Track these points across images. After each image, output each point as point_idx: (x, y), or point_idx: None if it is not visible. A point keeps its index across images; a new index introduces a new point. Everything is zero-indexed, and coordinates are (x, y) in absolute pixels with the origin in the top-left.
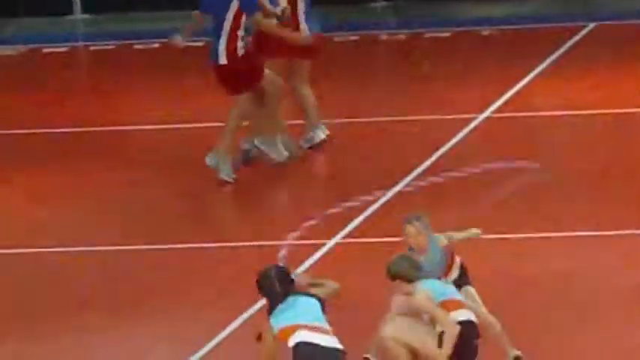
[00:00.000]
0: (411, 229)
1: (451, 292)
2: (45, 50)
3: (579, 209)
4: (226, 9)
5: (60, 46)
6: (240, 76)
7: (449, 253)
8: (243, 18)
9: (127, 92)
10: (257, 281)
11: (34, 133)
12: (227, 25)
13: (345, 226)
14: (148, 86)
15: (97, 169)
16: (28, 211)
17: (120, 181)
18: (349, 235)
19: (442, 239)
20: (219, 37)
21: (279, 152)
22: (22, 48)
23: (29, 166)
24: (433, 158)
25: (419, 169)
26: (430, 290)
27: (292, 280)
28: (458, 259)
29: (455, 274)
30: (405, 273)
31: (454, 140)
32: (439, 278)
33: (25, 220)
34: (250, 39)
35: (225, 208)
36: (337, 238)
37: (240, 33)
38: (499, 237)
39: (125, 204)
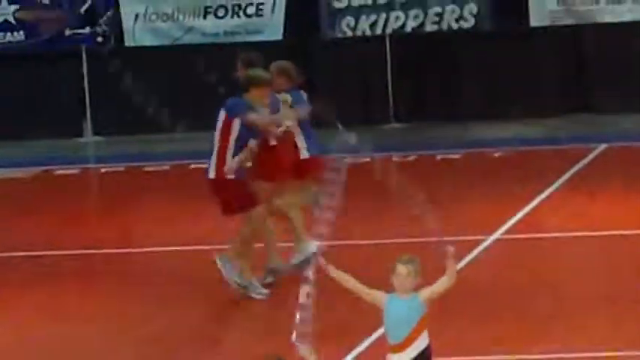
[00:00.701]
0: (402, 269)
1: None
2: (56, 172)
3: (591, 330)
4: (218, 119)
5: (71, 168)
6: (229, 197)
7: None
8: (234, 128)
9: (136, 213)
10: None
11: (44, 255)
12: (218, 136)
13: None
14: (158, 207)
15: (107, 290)
16: (40, 333)
17: (130, 301)
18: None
19: (424, 292)
20: (212, 150)
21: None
22: (33, 170)
23: (39, 287)
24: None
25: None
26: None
27: None
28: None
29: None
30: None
31: (463, 262)
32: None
33: (35, 340)
34: (244, 158)
35: (239, 330)
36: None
37: (230, 149)
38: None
39: (136, 326)
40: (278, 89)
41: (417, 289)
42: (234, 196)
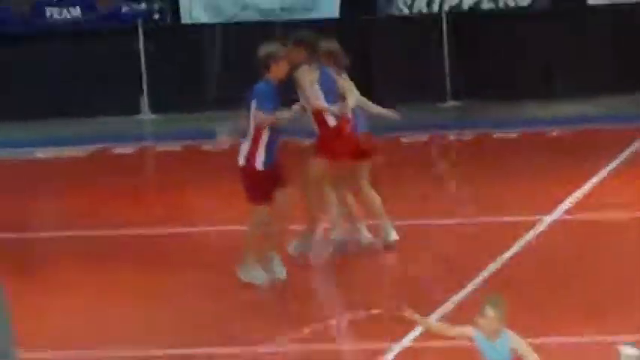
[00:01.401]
0: (490, 312)
1: None
2: (113, 150)
3: None
4: (249, 108)
5: (128, 145)
6: (256, 186)
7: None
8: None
9: (194, 193)
10: None
11: (101, 235)
12: (252, 124)
13: (412, 329)
14: (215, 186)
15: (166, 269)
16: (97, 311)
17: (189, 282)
18: (417, 339)
19: (513, 340)
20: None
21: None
22: (89, 148)
23: (97, 265)
24: (500, 261)
25: (484, 273)
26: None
27: None
28: None
29: None
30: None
31: (521, 242)
32: None
33: (93, 320)
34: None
35: (281, 303)
36: (405, 342)
37: (264, 140)
38: (560, 340)
39: (196, 305)
40: (294, 62)
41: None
42: (259, 187)
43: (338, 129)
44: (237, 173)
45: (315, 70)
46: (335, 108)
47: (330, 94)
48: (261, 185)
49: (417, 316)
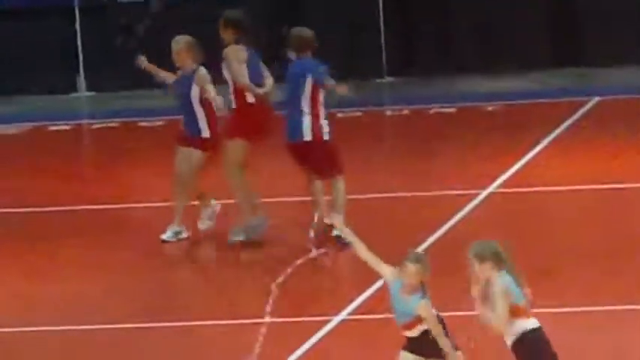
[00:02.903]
0: (411, 268)
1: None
2: (49, 128)
3: (585, 284)
4: (300, 84)
5: (64, 123)
6: (333, 156)
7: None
8: (321, 92)
9: (130, 170)
10: None
11: (39, 212)
12: (306, 102)
13: (353, 301)
14: (152, 164)
15: (101, 245)
16: (33, 288)
17: (124, 258)
18: (355, 311)
19: (422, 309)
20: (296, 113)
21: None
22: (25, 126)
23: (39, 243)
24: (437, 234)
25: (423, 246)
26: (509, 287)
27: None
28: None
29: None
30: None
31: (459, 215)
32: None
33: (29, 297)
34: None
35: (236, 284)
36: (343, 315)
37: (323, 110)
38: None
39: (131, 281)
40: (226, 42)
41: (424, 283)
42: (336, 156)
43: (256, 107)
44: (296, 150)
45: (244, 49)
46: (258, 89)
47: (256, 75)
48: (336, 154)
49: (350, 236)
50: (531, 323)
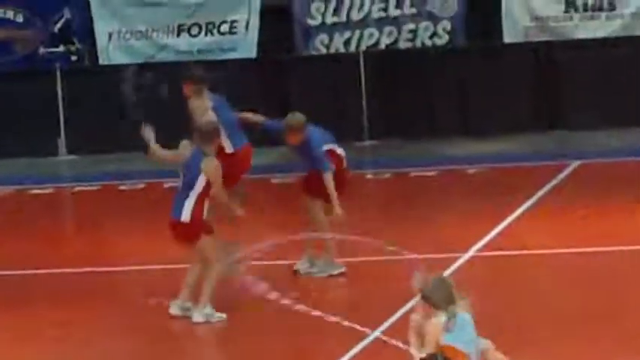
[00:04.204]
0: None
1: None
2: (30, 191)
3: (567, 349)
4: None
5: (45, 187)
6: None
7: None
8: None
9: (111, 233)
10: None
11: (19, 275)
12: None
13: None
14: (132, 226)
15: (83, 309)
16: (13, 353)
17: (107, 321)
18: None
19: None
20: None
21: None
22: (6, 189)
23: (13, 307)
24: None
25: (402, 310)
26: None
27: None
28: None
29: None
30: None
31: None
32: None
33: None
34: None
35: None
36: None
37: None
38: None
39: (111, 347)
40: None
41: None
42: None
43: (235, 155)
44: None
45: (207, 99)
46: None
47: (229, 126)
48: None
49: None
50: None
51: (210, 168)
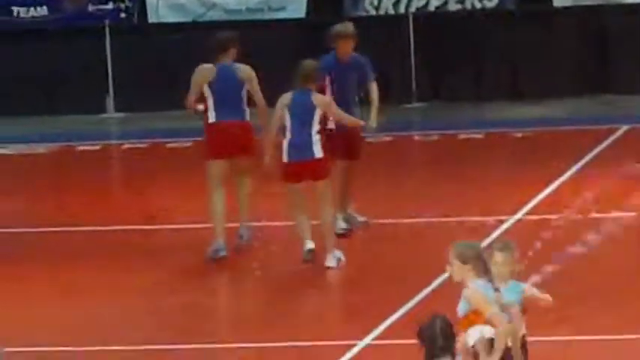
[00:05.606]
0: (499, 257)
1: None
2: (78, 148)
3: (612, 311)
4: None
5: (93, 144)
6: None
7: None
8: None
9: (158, 190)
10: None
11: (68, 231)
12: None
13: (379, 325)
14: (180, 184)
15: (130, 267)
16: (65, 308)
17: (153, 279)
18: (383, 335)
19: (525, 287)
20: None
21: None
22: (55, 146)
23: (63, 263)
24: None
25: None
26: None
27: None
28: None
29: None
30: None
31: (486, 242)
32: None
33: (59, 317)
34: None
35: (252, 307)
36: (368, 339)
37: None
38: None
39: (159, 302)
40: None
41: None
42: None
43: (216, 126)
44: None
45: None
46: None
47: (220, 97)
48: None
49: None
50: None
51: (322, 99)
